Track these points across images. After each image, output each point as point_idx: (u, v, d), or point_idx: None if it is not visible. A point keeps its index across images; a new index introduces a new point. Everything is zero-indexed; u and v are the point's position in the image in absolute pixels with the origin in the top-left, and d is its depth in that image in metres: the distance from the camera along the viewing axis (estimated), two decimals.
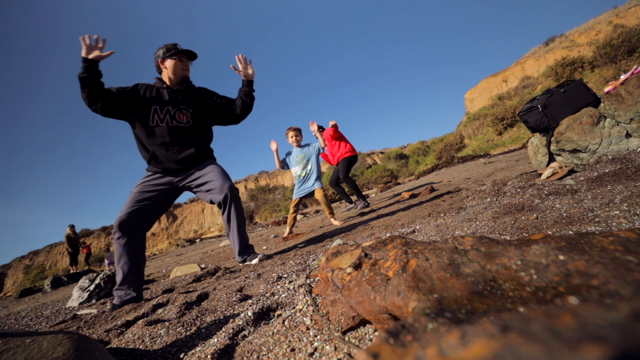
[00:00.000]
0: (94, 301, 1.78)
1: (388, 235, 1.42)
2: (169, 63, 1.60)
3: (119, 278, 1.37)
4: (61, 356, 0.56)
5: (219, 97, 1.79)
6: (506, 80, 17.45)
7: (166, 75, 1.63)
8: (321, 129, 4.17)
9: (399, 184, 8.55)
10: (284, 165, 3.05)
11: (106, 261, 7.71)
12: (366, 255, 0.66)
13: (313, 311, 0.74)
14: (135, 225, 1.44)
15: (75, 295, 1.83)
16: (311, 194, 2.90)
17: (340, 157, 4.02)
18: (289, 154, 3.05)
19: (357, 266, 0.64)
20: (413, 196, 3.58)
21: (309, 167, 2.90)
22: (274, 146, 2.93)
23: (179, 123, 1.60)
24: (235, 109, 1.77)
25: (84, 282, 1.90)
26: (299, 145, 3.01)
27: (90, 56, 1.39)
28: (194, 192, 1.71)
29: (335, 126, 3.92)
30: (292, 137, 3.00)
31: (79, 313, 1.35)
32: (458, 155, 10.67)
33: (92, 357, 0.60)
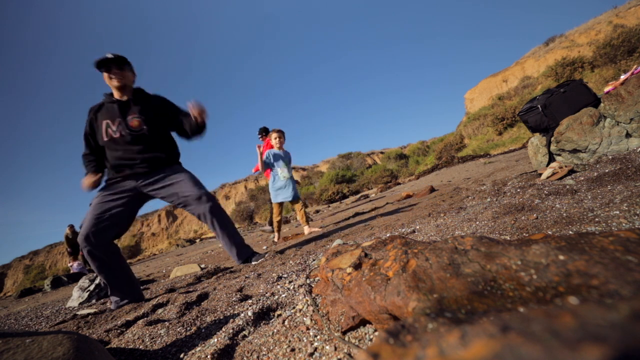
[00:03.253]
0: (94, 301, 1.78)
1: (388, 235, 1.42)
2: (104, 77, 1.56)
3: (108, 288, 1.37)
4: (61, 356, 0.56)
5: (173, 106, 1.73)
6: (506, 80, 17.45)
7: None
8: (265, 132, 4.13)
9: (399, 184, 8.55)
10: (266, 166, 2.97)
11: (76, 267, 7.65)
12: (366, 255, 0.66)
13: (313, 311, 0.74)
14: (104, 236, 1.39)
15: (75, 295, 1.83)
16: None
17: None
18: (272, 154, 2.98)
19: (357, 266, 0.64)
20: (413, 196, 3.58)
21: (290, 174, 2.93)
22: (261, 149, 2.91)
23: (132, 131, 1.55)
24: (185, 126, 1.69)
25: (84, 282, 1.90)
26: (281, 148, 3.00)
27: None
28: (166, 201, 1.65)
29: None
30: (275, 138, 2.98)
31: (78, 313, 1.35)
32: (458, 155, 10.67)
33: (92, 357, 0.60)
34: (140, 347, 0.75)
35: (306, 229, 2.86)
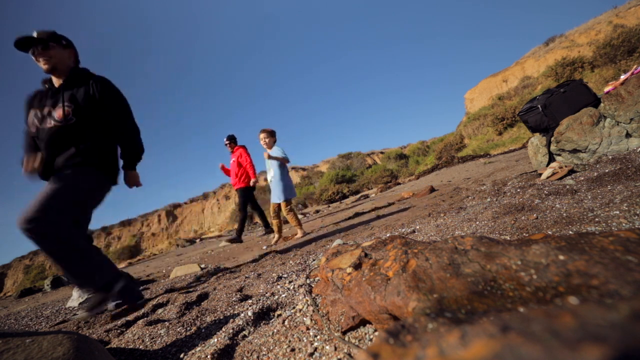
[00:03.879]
0: None
1: (388, 235, 1.43)
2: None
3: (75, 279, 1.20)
4: (61, 356, 0.56)
5: (114, 107, 1.40)
6: (506, 80, 17.45)
7: None
8: (232, 140, 3.96)
9: (399, 184, 8.55)
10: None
11: None
12: (366, 255, 0.66)
13: (313, 311, 0.74)
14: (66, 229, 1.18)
15: (75, 295, 1.82)
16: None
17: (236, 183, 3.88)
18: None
19: (357, 266, 0.64)
20: (413, 196, 3.58)
21: (271, 174, 2.85)
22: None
23: (56, 122, 1.28)
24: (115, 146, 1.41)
25: None
26: (270, 148, 2.94)
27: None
28: None
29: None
30: (262, 139, 2.91)
31: (79, 313, 1.35)
32: (458, 155, 10.67)
33: (92, 357, 0.60)
34: (140, 347, 0.75)
35: (299, 232, 2.82)
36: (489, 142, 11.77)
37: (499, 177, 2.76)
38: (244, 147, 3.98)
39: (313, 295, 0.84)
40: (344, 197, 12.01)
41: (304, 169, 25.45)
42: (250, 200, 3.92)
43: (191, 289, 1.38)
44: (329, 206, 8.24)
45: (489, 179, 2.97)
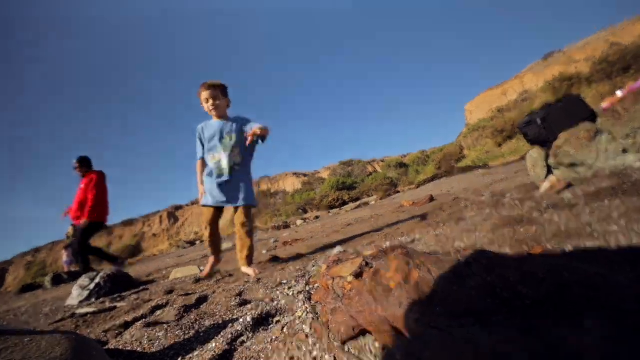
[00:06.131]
0: (93, 300, 1.76)
1: (388, 244, 1.43)
2: None
3: None
4: (59, 356, 0.56)
5: None
6: (505, 93, 17.68)
7: None
8: (85, 164, 3.04)
9: (399, 192, 8.56)
10: (202, 155, 1.73)
11: (65, 259, 7.47)
12: (367, 264, 0.67)
13: (313, 319, 0.74)
14: None
15: (75, 293, 1.81)
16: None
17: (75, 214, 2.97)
18: (203, 130, 1.71)
19: (358, 275, 0.64)
20: (412, 205, 3.58)
21: (236, 157, 1.66)
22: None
23: None
24: None
25: (84, 280, 1.89)
26: (221, 117, 1.69)
27: None
28: None
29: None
30: (206, 99, 1.63)
31: (77, 312, 1.34)
32: (458, 166, 10.72)
33: (90, 358, 0.60)
34: (138, 349, 0.75)
35: (244, 269, 1.63)
36: (488, 154, 11.84)
37: (498, 189, 2.77)
38: (99, 173, 3.09)
39: (312, 302, 0.84)
40: (344, 203, 12.00)
41: (305, 175, 25.48)
42: (87, 238, 3.00)
43: (190, 292, 1.37)
44: (329, 212, 8.24)
45: (488, 190, 2.98)
